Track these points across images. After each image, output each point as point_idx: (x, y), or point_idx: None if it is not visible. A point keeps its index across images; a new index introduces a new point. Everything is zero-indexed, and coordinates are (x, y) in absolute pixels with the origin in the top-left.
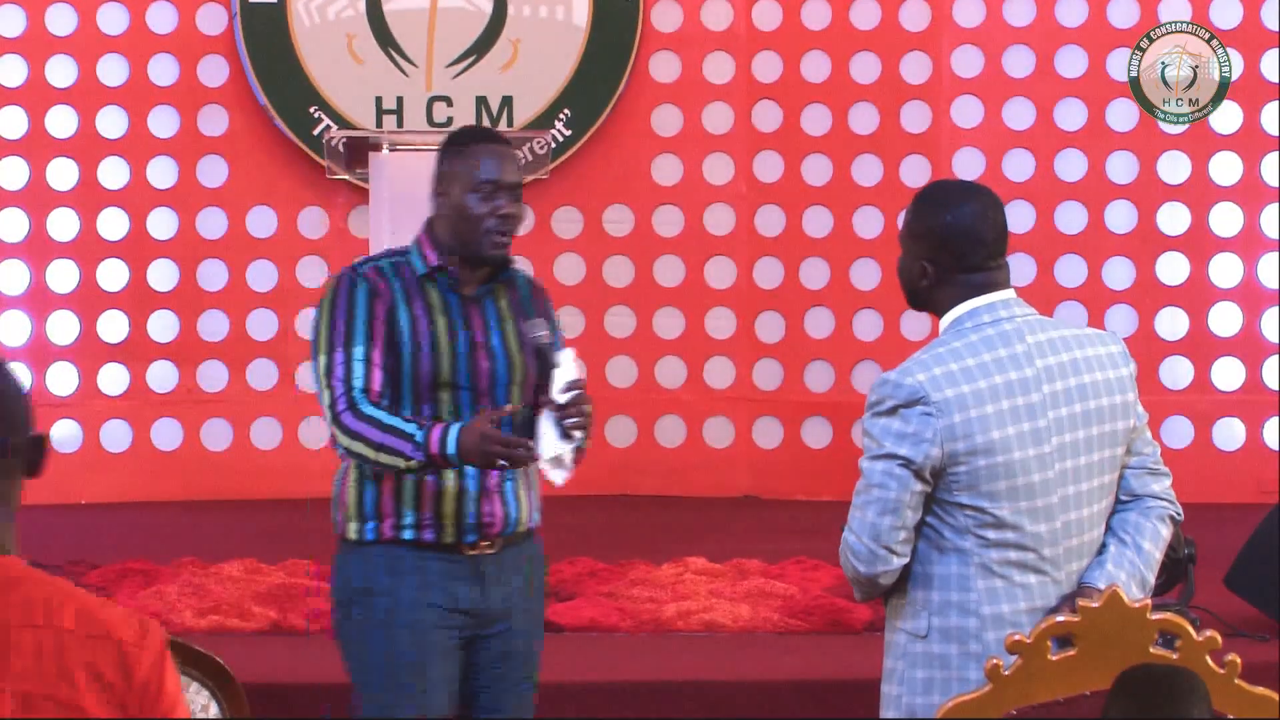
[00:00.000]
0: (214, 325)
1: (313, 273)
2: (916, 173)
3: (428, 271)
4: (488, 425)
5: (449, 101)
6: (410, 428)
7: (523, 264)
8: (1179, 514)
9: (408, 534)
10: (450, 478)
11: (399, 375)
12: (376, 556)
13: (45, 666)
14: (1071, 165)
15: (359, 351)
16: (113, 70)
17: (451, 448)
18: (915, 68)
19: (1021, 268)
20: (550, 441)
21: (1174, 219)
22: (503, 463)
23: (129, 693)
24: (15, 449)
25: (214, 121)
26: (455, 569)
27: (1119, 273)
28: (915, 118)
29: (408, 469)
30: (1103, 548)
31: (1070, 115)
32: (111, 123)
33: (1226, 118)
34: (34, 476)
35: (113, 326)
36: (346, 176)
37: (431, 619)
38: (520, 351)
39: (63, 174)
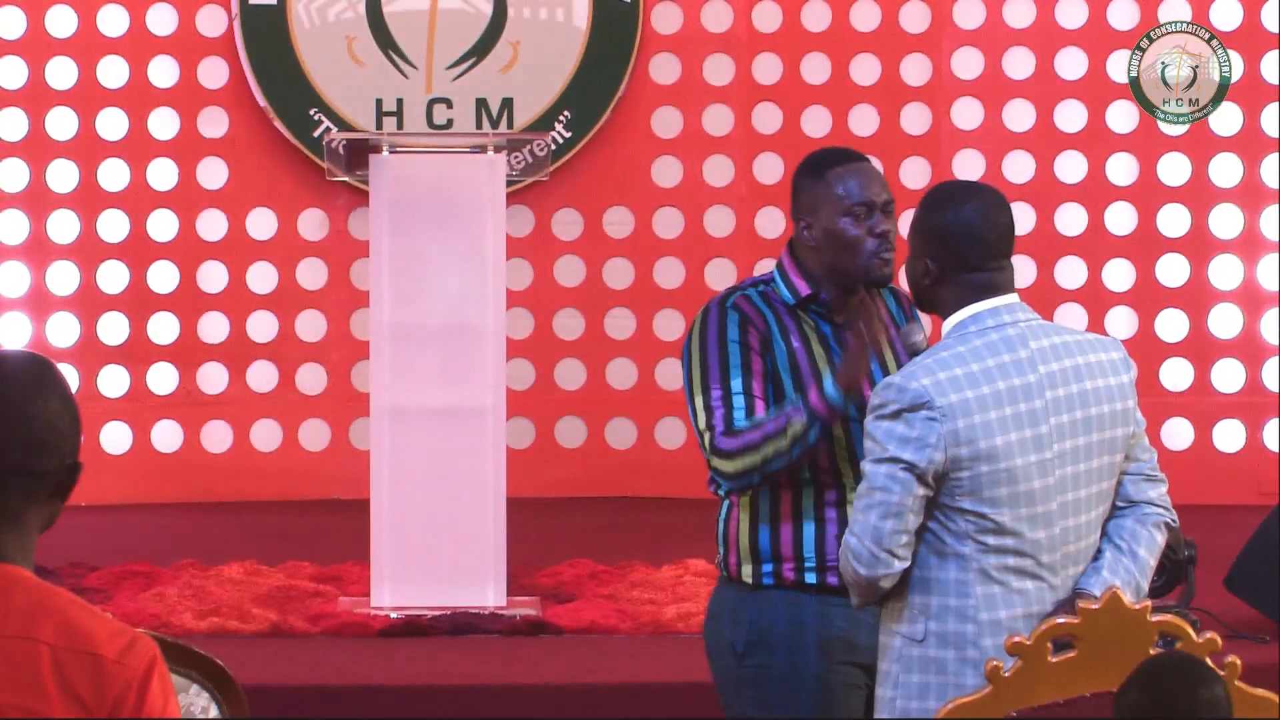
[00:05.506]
0: (214, 327)
1: (313, 275)
2: (917, 175)
3: (798, 301)
4: (855, 353)
5: (449, 103)
6: (785, 405)
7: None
8: (1174, 520)
9: (810, 577)
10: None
11: None
12: (775, 602)
13: (14, 675)
14: (1071, 167)
15: (736, 384)
16: (113, 72)
17: (830, 387)
18: (915, 69)
19: (1022, 269)
20: None
21: (1174, 221)
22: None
23: (98, 708)
24: (43, 473)
25: (214, 123)
26: (859, 616)
27: (1119, 275)
28: (915, 119)
29: (794, 441)
30: (1098, 554)
31: (1070, 117)
32: (111, 124)
33: (1226, 119)
34: (59, 500)
35: (113, 329)
36: (346, 178)
37: (837, 677)
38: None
39: (63, 176)
